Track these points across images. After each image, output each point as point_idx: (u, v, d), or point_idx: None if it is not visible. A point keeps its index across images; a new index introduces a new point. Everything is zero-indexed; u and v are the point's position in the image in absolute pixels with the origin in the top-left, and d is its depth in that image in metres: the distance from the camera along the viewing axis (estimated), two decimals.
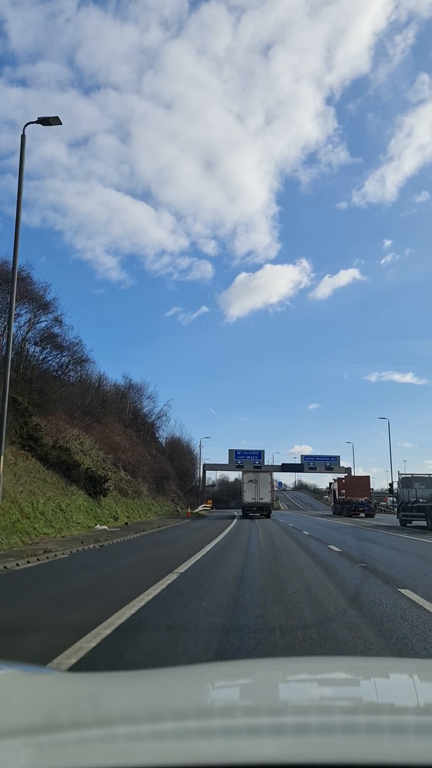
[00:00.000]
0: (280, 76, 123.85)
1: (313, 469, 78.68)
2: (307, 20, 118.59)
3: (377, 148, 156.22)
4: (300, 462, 78.97)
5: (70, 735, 1.12)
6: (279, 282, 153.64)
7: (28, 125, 16.27)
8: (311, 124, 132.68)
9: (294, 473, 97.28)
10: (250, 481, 43.15)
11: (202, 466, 74.87)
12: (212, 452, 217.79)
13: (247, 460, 70.20)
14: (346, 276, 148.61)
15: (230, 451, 72.31)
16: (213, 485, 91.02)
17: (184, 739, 1.11)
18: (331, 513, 51.23)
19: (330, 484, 58.87)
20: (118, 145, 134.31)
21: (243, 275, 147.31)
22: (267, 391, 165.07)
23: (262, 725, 1.20)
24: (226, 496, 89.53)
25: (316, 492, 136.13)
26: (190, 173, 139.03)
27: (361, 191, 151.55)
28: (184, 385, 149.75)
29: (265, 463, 72.57)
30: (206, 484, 78.50)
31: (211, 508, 61.13)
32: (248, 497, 42.31)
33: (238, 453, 72.14)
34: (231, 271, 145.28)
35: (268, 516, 41.29)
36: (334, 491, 51.70)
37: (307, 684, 1.76)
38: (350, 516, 43.16)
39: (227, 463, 72.69)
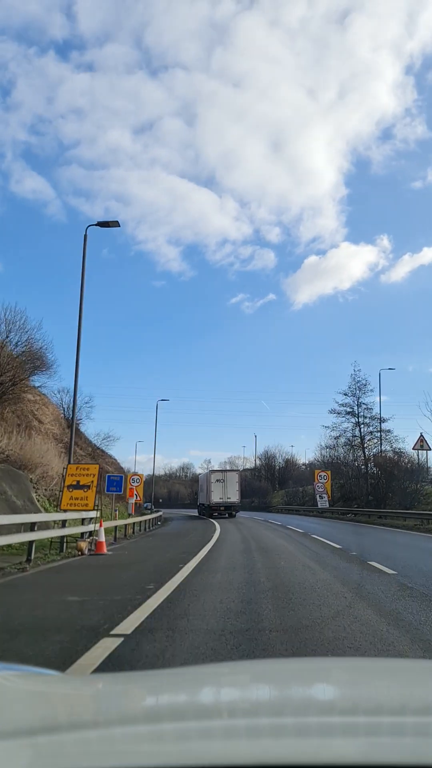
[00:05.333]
0: (356, 46, 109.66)
1: None
2: None
3: None
4: None
5: (69, 736, 1.12)
6: (352, 263, 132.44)
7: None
8: (388, 97, 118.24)
9: None
10: (217, 480, 43.35)
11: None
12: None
13: None
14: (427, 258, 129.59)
15: None
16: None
17: (183, 740, 1.11)
18: None
19: None
20: (184, 128, 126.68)
21: (313, 258, 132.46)
22: (319, 383, 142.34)
23: (261, 726, 1.20)
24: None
25: None
26: (257, 156, 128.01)
27: None
28: (232, 377, 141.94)
29: None
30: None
31: (148, 506, 45.91)
32: (216, 497, 42.52)
33: None
34: (295, 260, 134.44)
35: (233, 516, 41.76)
36: None
37: (306, 684, 1.76)
38: None
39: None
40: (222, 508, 42.08)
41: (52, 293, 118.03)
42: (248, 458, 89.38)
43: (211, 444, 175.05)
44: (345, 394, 45.15)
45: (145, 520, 27.44)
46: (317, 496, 46.12)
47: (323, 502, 45.21)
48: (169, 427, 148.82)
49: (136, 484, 33.76)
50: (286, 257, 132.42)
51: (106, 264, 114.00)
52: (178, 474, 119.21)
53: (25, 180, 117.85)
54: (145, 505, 43.20)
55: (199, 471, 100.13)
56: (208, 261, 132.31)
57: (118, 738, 1.13)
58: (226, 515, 41.53)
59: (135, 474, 37.22)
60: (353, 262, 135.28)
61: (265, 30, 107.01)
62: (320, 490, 46.15)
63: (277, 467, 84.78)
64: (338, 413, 45.54)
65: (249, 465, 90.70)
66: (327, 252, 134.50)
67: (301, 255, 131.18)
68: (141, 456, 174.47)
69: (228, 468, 64.31)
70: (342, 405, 45.37)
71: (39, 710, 1.36)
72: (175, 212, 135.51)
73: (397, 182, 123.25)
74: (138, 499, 33.91)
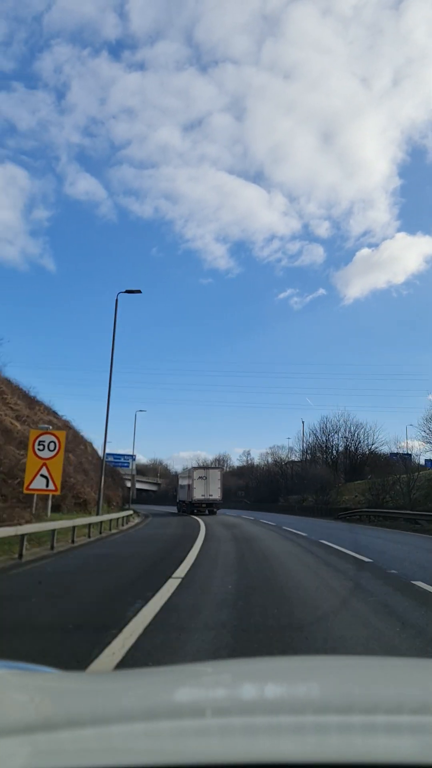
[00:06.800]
0: (412, 31, 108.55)
1: None
2: None
3: None
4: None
5: (66, 734, 1.12)
6: (407, 255, 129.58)
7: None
8: None
9: None
10: (200, 477, 43.33)
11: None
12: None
13: None
14: None
15: None
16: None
17: (180, 738, 1.11)
18: None
19: None
20: (233, 123, 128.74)
21: (365, 251, 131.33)
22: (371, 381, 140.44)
23: (257, 724, 1.21)
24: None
25: None
26: (306, 148, 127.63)
27: None
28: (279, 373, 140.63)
29: None
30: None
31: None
32: (198, 494, 42.57)
33: None
34: (344, 254, 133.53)
35: (214, 513, 41.71)
36: None
37: (303, 683, 1.76)
38: None
39: None
40: (203, 505, 42.18)
41: (99, 293, 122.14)
42: (293, 450, 76.82)
43: (248, 440, 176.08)
44: None
45: (101, 522, 20.16)
46: None
47: None
48: (209, 422, 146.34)
49: (48, 451, 18.64)
50: (335, 252, 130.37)
51: (154, 262, 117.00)
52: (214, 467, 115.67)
53: (79, 182, 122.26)
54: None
55: (237, 463, 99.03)
56: (255, 257, 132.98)
57: (115, 736, 1.13)
58: (207, 512, 41.54)
59: (50, 432, 19.79)
60: (408, 254, 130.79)
61: (317, 19, 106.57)
62: None
63: (345, 447, 61.79)
64: None
65: (292, 457, 77.32)
66: (380, 245, 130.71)
67: (351, 249, 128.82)
68: (186, 453, 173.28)
69: (211, 465, 65.39)
70: None
71: (36, 708, 1.37)
72: (222, 209, 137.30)
73: None
74: (53, 488, 18.88)
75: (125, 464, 61.56)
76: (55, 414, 37.73)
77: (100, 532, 20.26)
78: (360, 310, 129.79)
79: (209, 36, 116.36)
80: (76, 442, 36.12)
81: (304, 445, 69.53)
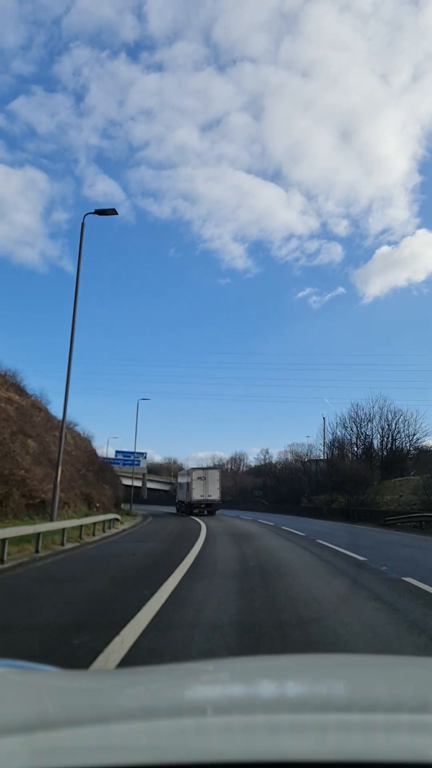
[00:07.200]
0: None
1: None
2: None
3: None
4: None
5: (66, 733, 1.12)
6: (429, 252, 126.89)
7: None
8: None
9: None
10: (199, 478, 43.43)
11: None
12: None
13: None
14: None
15: None
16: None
17: (180, 737, 1.12)
18: None
19: None
20: (251, 122, 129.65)
21: (385, 248, 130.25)
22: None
23: (257, 723, 1.21)
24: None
25: None
26: (325, 146, 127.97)
27: None
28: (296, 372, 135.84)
29: None
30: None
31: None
32: (197, 494, 42.61)
33: None
34: (363, 252, 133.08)
35: (213, 513, 41.82)
36: None
37: (302, 681, 1.76)
38: None
39: None
40: (203, 506, 42.28)
41: (119, 296, 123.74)
42: (313, 447, 68.78)
43: (265, 440, 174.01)
44: None
45: (39, 534, 13.36)
46: None
47: None
48: (227, 423, 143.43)
49: None
50: (354, 250, 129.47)
51: (172, 263, 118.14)
52: (229, 467, 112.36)
53: (97, 184, 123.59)
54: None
55: (253, 462, 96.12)
56: (273, 257, 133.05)
57: (115, 734, 1.14)
58: (206, 512, 41.57)
59: None
60: (429, 251, 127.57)
61: (336, 16, 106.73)
62: None
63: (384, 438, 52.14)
64: None
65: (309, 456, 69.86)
66: (400, 242, 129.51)
67: (370, 247, 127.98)
68: (203, 453, 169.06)
69: (210, 466, 63.63)
70: None
71: (36, 706, 1.37)
72: (240, 209, 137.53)
73: None
74: None
75: (136, 462, 60.69)
76: (20, 389, 30.30)
77: (37, 551, 12.95)
78: (380, 309, 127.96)
79: (227, 35, 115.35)
80: (46, 426, 28.69)
81: (328, 439, 59.61)
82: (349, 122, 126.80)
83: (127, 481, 51.97)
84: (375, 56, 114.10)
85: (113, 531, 23.07)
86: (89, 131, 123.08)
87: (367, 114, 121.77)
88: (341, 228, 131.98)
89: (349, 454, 54.19)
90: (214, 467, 55.21)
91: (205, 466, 57.85)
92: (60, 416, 20.72)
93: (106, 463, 45.62)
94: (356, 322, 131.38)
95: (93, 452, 40.74)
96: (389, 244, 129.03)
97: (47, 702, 1.42)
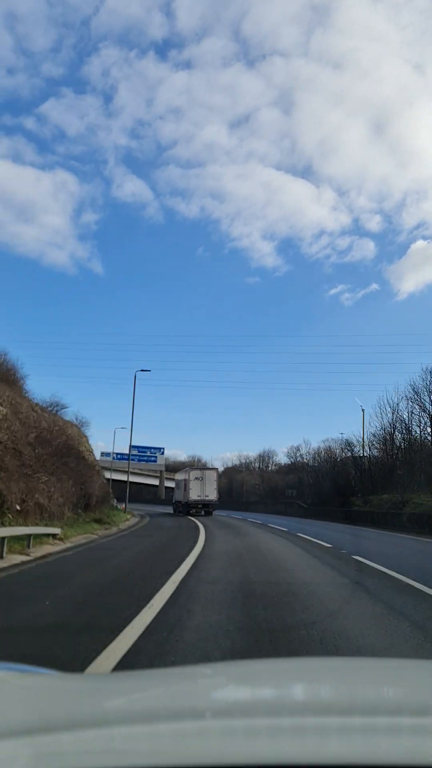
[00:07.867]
0: None
1: None
2: None
3: None
4: None
5: (67, 736, 1.12)
6: None
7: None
8: None
9: None
10: (196, 478, 43.61)
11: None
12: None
13: None
14: None
15: None
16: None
17: (181, 740, 1.12)
18: None
19: None
20: (281, 118, 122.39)
21: (420, 243, 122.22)
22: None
23: (258, 726, 1.21)
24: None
25: None
26: (357, 140, 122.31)
27: None
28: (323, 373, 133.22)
29: None
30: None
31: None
32: (194, 494, 42.81)
33: None
34: (396, 248, 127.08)
35: (210, 514, 42.07)
36: None
37: (303, 685, 1.76)
38: None
39: None
40: (200, 506, 42.58)
41: (150, 298, 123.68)
42: (351, 443, 58.14)
43: (296, 439, 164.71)
44: None
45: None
46: None
47: None
48: (258, 422, 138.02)
49: None
50: (387, 246, 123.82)
51: (200, 262, 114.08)
52: (257, 465, 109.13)
53: (126, 184, 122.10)
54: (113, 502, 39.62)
55: (284, 460, 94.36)
56: (303, 254, 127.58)
57: (116, 737, 1.14)
58: (203, 513, 41.91)
59: None
60: None
61: (368, 5, 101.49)
62: None
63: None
64: None
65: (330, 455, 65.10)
66: None
67: (404, 243, 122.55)
68: (230, 453, 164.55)
69: (207, 466, 63.09)
70: None
71: (37, 709, 1.36)
72: (270, 206, 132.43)
73: None
74: None
75: (152, 459, 57.08)
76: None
77: None
78: (415, 305, 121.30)
79: (257, 29, 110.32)
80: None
81: (371, 432, 48.44)
82: (382, 114, 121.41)
83: (138, 479, 50.22)
84: (409, 46, 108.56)
85: (56, 548, 13.89)
86: (118, 132, 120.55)
87: (400, 105, 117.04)
88: (374, 223, 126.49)
89: (417, 445, 40.76)
90: (212, 468, 54.17)
91: (210, 466, 57.59)
92: None
93: (73, 447, 29.33)
94: (390, 318, 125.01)
95: (60, 435, 26.92)
96: (425, 238, 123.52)
97: (48, 705, 1.42)
